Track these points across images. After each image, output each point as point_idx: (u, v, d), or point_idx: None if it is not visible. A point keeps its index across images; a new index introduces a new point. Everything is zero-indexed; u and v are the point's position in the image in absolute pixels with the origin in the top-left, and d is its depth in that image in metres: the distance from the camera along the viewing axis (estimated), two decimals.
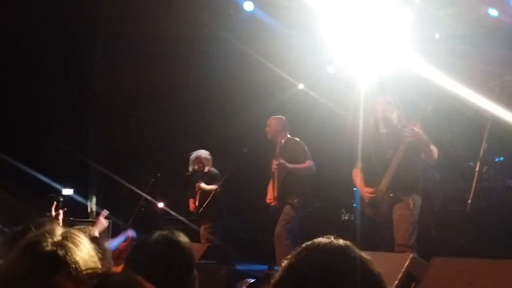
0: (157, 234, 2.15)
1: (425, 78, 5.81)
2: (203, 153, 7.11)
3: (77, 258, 1.33)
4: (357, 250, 1.24)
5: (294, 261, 1.22)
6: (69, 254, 1.33)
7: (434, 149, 4.66)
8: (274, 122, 6.14)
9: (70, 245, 1.36)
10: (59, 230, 1.43)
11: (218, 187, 6.80)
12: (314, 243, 1.25)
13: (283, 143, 6.01)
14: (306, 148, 5.99)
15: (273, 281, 1.22)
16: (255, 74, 7.77)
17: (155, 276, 1.69)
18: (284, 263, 1.23)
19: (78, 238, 1.42)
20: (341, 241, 1.25)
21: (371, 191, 4.78)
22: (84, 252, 1.38)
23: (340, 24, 6.66)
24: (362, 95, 5.94)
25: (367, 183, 4.89)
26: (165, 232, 2.18)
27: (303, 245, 1.26)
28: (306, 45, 7.16)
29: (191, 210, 7.11)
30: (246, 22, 7.68)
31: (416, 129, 4.48)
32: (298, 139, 6.12)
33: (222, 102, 9.05)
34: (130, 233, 4.69)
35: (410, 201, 4.56)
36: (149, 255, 2.06)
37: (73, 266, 1.31)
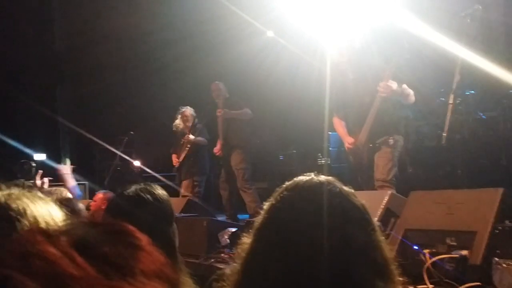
0: (134, 187, 2.11)
1: (392, 22, 5.75)
2: (188, 109, 7.29)
3: (35, 214, 1.26)
4: (338, 184, 1.21)
5: (275, 202, 1.20)
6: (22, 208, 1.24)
7: (410, 93, 4.67)
8: (217, 87, 6.92)
9: (25, 200, 1.28)
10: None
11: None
12: (294, 181, 1.22)
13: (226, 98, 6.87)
14: (238, 100, 6.86)
15: (255, 224, 1.21)
16: (221, 18, 7.56)
17: (136, 227, 1.67)
18: (266, 205, 1.22)
19: (35, 197, 1.33)
20: (321, 177, 1.22)
21: (352, 141, 4.82)
22: (43, 210, 1.30)
23: None
24: (328, 40, 5.86)
25: (348, 131, 4.93)
26: (142, 185, 2.13)
27: (284, 185, 1.23)
28: None
29: (174, 165, 7.24)
30: None
31: (390, 83, 4.47)
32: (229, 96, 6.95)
33: (186, 49, 8.79)
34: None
35: (390, 139, 4.63)
36: (128, 206, 2.03)
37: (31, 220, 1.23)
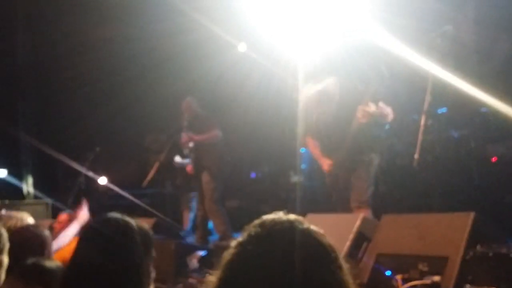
0: (105, 221, 2.01)
1: (364, 39, 5.76)
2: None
3: None
4: (305, 223, 1.26)
5: (242, 240, 1.25)
6: None
7: (388, 112, 4.67)
8: (188, 105, 6.71)
9: None
10: None
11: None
12: (262, 219, 1.27)
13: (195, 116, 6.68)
14: (211, 118, 6.71)
15: (223, 259, 1.25)
16: (191, 31, 7.44)
17: (107, 266, 1.76)
18: (234, 241, 1.26)
19: None
20: (290, 216, 1.28)
21: (330, 163, 4.81)
22: None
23: None
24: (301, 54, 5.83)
25: (324, 151, 4.90)
26: (114, 217, 2.03)
27: (253, 223, 1.28)
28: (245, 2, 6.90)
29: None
30: None
31: (368, 108, 4.48)
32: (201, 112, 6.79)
33: (155, 62, 8.64)
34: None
35: (366, 158, 4.66)
36: (101, 247, 1.94)
37: None
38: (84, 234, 2.13)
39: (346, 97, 4.76)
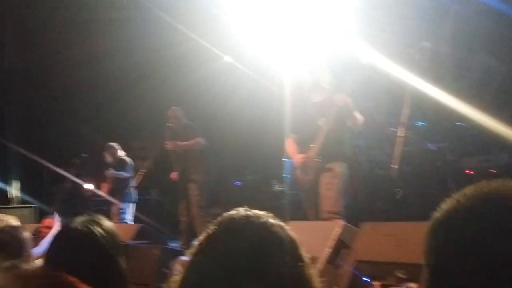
0: (78, 221, 2.05)
1: (345, 48, 5.88)
2: (114, 145, 7.64)
3: None
4: (264, 217, 1.24)
5: (202, 239, 1.23)
6: None
7: (359, 117, 4.76)
8: (174, 114, 6.88)
9: None
10: None
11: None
12: (219, 218, 1.26)
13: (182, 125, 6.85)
14: (196, 127, 6.86)
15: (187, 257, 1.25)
16: (178, 44, 7.55)
17: (78, 268, 1.65)
18: (196, 241, 1.25)
19: None
20: (248, 211, 1.26)
21: (303, 156, 4.84)
22: None
23: None
24: (287, 66, 5.94)
25: (301, 151, 4.93)
26: (86, 218, 2.07)
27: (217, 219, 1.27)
28: (230, 15, 7.02)
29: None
30: None
31: (347, 98, 4.55)
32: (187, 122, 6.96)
33: (142, 74, 8.72)
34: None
35: (337, 169, 4.63)
36: (68, 246, 1.97)
37: None
38: (51, 242, 2.09)
39: (324, 97, 4.83)
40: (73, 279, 1.08)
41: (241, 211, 1.26)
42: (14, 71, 9.44)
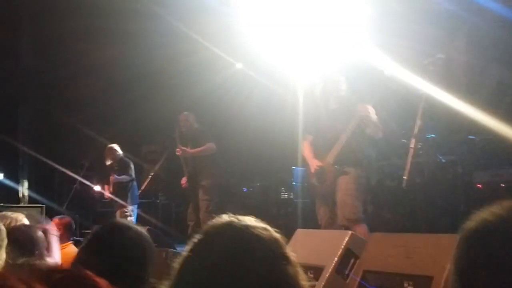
0: (107, 226, 2.04)
1: (359, 55, 5.87)
2: (113, 146, 7.63)
3: None
4: (247, 221, 1.27)
5: (189, 247, 1.26)
6: None
7: (380, 127, 4.74)
8: (185, 118, 6.86)
9: None
10: None
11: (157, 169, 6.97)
12: (204, 227, 1.30)
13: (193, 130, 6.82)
14: (206, 132, 6.79)
15: (174, 269, 1.26)
16: (192, 53, 7.61)
17: (109, 271, 1.61)
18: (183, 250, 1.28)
19: None
20: (231, 217, 1.30)
21: (319, 163, 4.81)
22: None
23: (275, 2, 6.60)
24: (301, 74, 5.94)
25: (316, 156, 4.91)
26: (115, 222, 2.07)
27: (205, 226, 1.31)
28: (243, 23, 7.06)
29: (106, 197, 7.56)
30: None
31: (370, 108, 4.56)
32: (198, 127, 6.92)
33: (158, 81, 8.81)
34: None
35: (355, 174, 4.61)
36: (101, 250, 1.96)
37: None
38: (81, 250, 2.07)
39: (344, 104, 4.85)
40: (90, 273, 1.10)
41: (225, 217, 1.30)
42: (29, 73, 9.54)
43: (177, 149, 6.68)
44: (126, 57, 8.42)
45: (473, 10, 6.64)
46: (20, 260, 2.37)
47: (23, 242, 2.73)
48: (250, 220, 1.28)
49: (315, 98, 4.98)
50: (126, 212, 7.33)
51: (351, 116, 4.71)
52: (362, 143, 4.81)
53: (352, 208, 4.57)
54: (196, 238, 1.26)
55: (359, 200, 4.65)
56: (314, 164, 4.87)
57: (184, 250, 1.27)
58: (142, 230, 2.08)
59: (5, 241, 2.34)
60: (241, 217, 1.29)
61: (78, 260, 1.96)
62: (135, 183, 7.52)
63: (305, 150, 5.06)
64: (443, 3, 6.72)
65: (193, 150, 6.65)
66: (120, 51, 8.31)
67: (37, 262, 2.44)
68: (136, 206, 7.54)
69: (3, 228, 2.37)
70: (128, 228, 2.03)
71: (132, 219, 7.34)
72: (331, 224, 4.73)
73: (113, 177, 7.39)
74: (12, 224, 3.04)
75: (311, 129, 4.99)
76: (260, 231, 1.24)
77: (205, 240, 1.25)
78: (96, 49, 8.35)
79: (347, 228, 4.46)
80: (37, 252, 2.81)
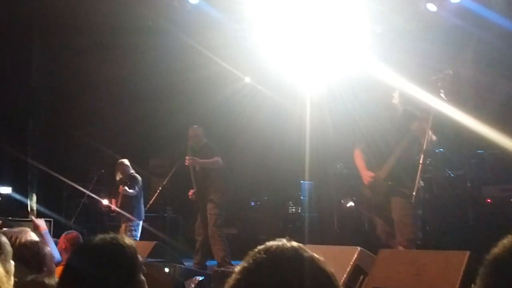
0: (98, 237, 2.04)
1: (366, 69, 5.88)
2: (123, 161, 7.66)
3: None
4: (308, 251, 1.25)
5: (247, 265, 1.23)
6: None
7: (433, 138, 4.64)
8: (194, 132, 6.87)
9: None
10: None
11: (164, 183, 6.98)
12: (266, 246, 1.26)
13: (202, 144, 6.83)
14: (215, 147, 6.79)
15: (227, 285, 1.23)
16: (201, 67, 7.67)
17: (94, 282, 1.69)
18: (238, 267, 1.24)
19: None
20: (293, 243, 1.26)
21: (372, 175, 4.73)
22: None
23: (284, 18, 6.66)
24: (308, 88, 5.97)
25: (368, 165, 4.83)
26: (107, 235, 2.06)
27: (256, 249, 1.26)
28: (252, 38, 7.13)
29: (112, 210, 7.54)
30: (191, 14, 7.54)
31: (424, 125, 4.49)
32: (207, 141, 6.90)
33: (167, 96, 8.89)
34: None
35: (413, 194, 4.39)
36: (88, 260, 1.96)
37: None
38: (71, 254, 2.02)
39: (402, 114, 4.76)
40: None
41: (287, 242, 1.27)
42: (39, 88, 9.62)
43: (187, 158, 6.73)
44: (135, 72, 8.50)
45: (480, 25, 6.66)
46: (29, 278, 2.36)
47: (31, 259, 2.73)
48: (309, 250, 1.26)
49: (392, 103, 4.86)
50: (132, 226, 7.37)
51: (404, 131, 4.63)
52: (413, 163, 4.61)
53: (412, 227, 4.51)
54: (256, 257, 1.23)
55: (417, 219, 4.59)
56: (367, 175, 4.77)
57: (241, 267, 1.24)
58: (130, 246, 2.07)
59: (11, 252, 2.29)
60: (300, 245, 1.27)
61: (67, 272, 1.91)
62: (141, 199, 7.54)
63: (357, 158, 4.96)
64: (451, 19, 6.75)
65: (201, 160, 6.72)
66: (129, 66, 8.40)
67: (46, 279, 2.39)
68: (141, 221, 7.57)
69: (6, 240, 2.30)
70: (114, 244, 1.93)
71: (136, 233, 7.35)
72: (390, 239, 4.67)
73: (123, 189, 7.44)
74: (18, 240, 2.94)
75: (362, 137, 4.89)
76: (324, 265, 1.25)
77: (268, 263, 1.21)
78: (105, 65, 8.44)
79: (406, 247, 4.40)
80: (45, 269, 2.79)
